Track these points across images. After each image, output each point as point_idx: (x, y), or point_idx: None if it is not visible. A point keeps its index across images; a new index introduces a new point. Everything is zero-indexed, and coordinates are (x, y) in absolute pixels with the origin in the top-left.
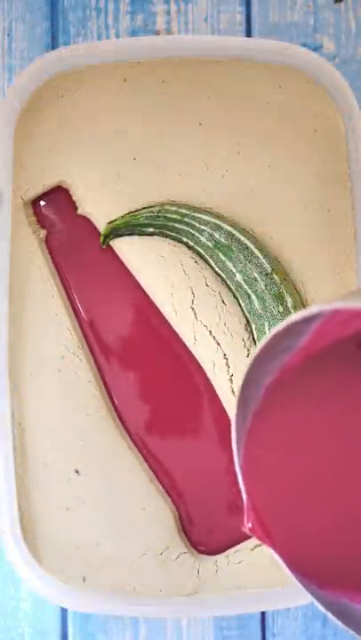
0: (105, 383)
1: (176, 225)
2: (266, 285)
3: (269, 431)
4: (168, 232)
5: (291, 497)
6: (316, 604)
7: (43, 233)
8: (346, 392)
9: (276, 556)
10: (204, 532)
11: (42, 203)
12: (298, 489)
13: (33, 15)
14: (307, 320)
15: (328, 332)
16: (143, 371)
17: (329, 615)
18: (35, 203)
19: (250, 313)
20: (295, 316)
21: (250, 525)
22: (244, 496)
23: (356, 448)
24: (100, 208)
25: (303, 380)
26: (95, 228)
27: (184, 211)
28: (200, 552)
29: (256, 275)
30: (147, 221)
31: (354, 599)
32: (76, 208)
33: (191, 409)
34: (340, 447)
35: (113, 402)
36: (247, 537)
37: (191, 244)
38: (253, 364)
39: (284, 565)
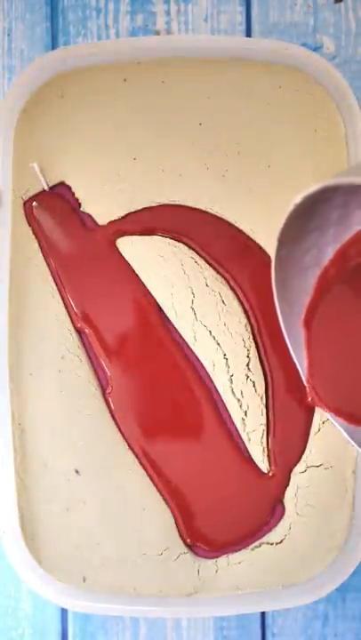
0: (100, 384)
1: None
2: None
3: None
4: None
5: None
6: None
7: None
8: None
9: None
10: (201, 537)
11: (34, 204)
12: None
13: (33, 15)
14: (325, 192)
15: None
16: (140, 373)
17: None
18: (26, 204)
19: None
20: (312, 189)
21: (309, 390)
22: (304, 365)
23: None
24: (100, 208)
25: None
26: (97, 224)
27: None
28: (197, 554)
29: None
30: None
31: None
32: (79, 205)
33: (190, 412)
34: None
35: (109, 406)
36: (242, 544)
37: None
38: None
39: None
